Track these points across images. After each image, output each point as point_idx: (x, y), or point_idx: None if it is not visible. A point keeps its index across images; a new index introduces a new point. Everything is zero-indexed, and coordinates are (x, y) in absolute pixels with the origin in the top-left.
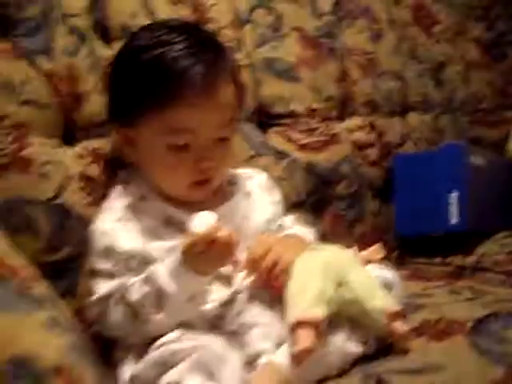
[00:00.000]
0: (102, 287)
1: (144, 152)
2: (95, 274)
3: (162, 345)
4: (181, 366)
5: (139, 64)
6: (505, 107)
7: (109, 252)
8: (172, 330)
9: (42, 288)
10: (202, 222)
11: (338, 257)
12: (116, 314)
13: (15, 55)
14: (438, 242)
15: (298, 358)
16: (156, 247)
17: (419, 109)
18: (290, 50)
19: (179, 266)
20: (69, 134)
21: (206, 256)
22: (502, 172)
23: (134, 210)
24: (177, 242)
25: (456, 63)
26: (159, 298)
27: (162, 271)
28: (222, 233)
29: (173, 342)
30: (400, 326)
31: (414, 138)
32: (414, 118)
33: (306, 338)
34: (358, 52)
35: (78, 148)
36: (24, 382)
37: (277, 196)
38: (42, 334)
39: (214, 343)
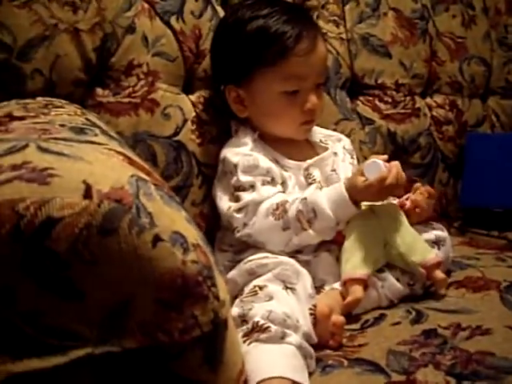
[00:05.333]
0: (246, 197)
1: (256, 104)
2: (238, 188)
3: (251, 260)
4: (266, 276)
5: (246, 34)
6: None
7: (252, 168)
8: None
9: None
10: (374, 167)
11: (385, 220)
12: (264, 223)
13: (152, 14)
14: (497, 218)
15: (348, 307)
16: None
17: (500, 94)
18: (385, 28)
19: (342, 197)
20: (188, 84)
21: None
22: None
23: (257, 146)
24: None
25: None
26: (313, 218)
27: (323, 198)
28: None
29: (261, 258)
30: (438, 274)
31: (491, 121)
32: (493, 102)
33: (354, 292)
34: (448, 35)
35: (194, 96)
36: (185, 247)
37: (355, 159)
38: (186, 224)
39: (293, 262)
